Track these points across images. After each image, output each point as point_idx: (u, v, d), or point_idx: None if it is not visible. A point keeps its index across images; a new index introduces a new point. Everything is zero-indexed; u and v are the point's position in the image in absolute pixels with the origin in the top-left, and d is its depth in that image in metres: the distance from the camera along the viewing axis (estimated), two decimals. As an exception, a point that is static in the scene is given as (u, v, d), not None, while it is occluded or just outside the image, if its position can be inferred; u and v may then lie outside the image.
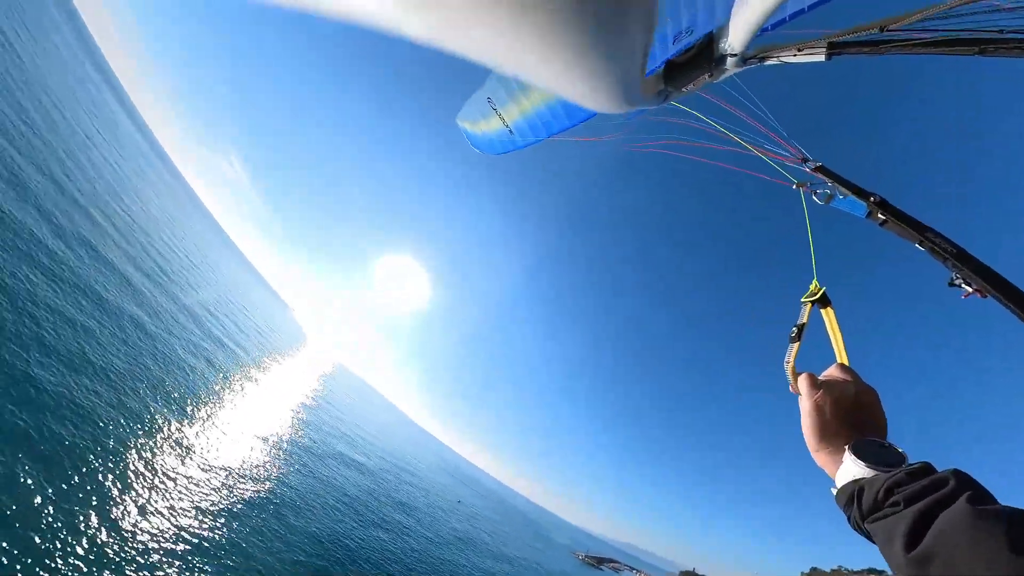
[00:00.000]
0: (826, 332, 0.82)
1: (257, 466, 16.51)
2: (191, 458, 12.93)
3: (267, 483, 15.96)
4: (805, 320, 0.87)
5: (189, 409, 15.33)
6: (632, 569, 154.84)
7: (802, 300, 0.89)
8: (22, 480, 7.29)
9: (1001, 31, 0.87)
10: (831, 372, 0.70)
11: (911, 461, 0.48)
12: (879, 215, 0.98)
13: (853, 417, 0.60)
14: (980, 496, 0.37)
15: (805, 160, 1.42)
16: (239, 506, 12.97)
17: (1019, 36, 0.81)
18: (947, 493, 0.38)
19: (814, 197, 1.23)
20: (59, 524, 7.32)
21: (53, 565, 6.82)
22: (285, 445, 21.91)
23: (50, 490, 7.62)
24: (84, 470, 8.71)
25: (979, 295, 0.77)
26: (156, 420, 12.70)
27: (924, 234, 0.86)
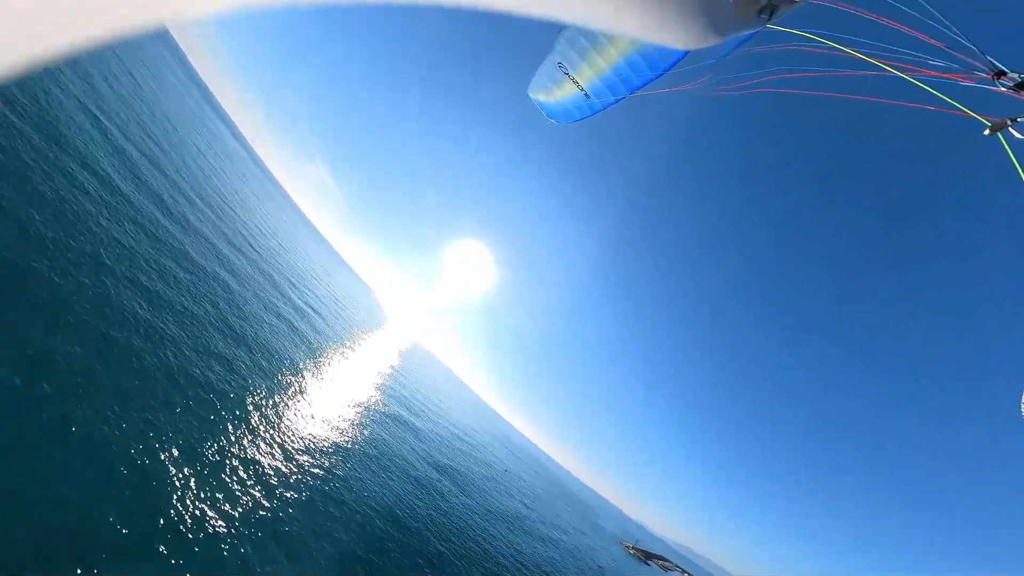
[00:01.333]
0: None
1: (337, 426, 18.99)
2: (287, 417, 15.42)
3: (344, 439, 18.49)
4: None
5: (286, 374, 18.12)
6: (683, 571, 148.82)
7: None
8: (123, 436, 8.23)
9: None
10: None
11: None
12: None
13: None
14: None
15: (1000, 74, 0.92)
16: (320, 460, 15.00)
17: None
18: None
19: (1011, 129, 0.76)
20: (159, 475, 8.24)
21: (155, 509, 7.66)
22: (364, 408, 25.10)
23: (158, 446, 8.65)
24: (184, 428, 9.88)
25: None
26: (258, 382, 15.12)
27: None
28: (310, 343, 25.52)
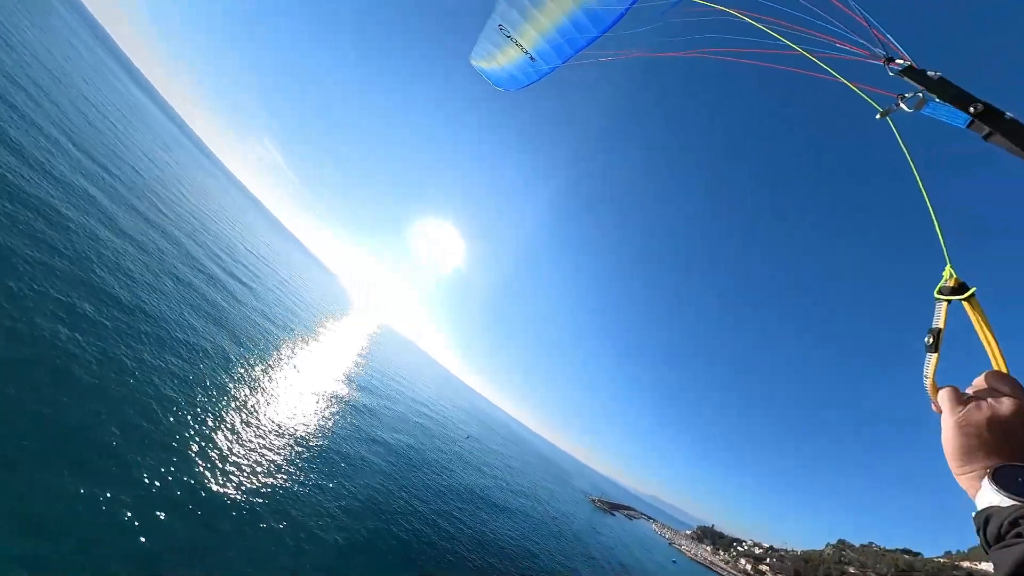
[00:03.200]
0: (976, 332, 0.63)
1: (310, 410, 19.24)
2: (249, 410, 15.20)
3: (307, 428, 18.21)
4: (942, 324, 0.65)
5: (256, 366, 18.17)
6: (648, 518, 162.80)
7: (936, 296, 0.68)
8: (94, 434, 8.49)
9: None
10: (980, 383, 0.61)
11: None
12: (984, 127, 0.79)
13: (1005, 438, 0.52)
14: None
15: (890, 60, 1.03)
16: (294, 442, 15.41)
17: None
18: None
19: (901, 104, 0.95)
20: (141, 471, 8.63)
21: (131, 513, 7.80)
22: (329, 396, 25.21)
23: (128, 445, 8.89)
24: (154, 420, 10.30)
25: None
26: (230, 372, 15.48)
27: None
28: (273, 336, 24.91)
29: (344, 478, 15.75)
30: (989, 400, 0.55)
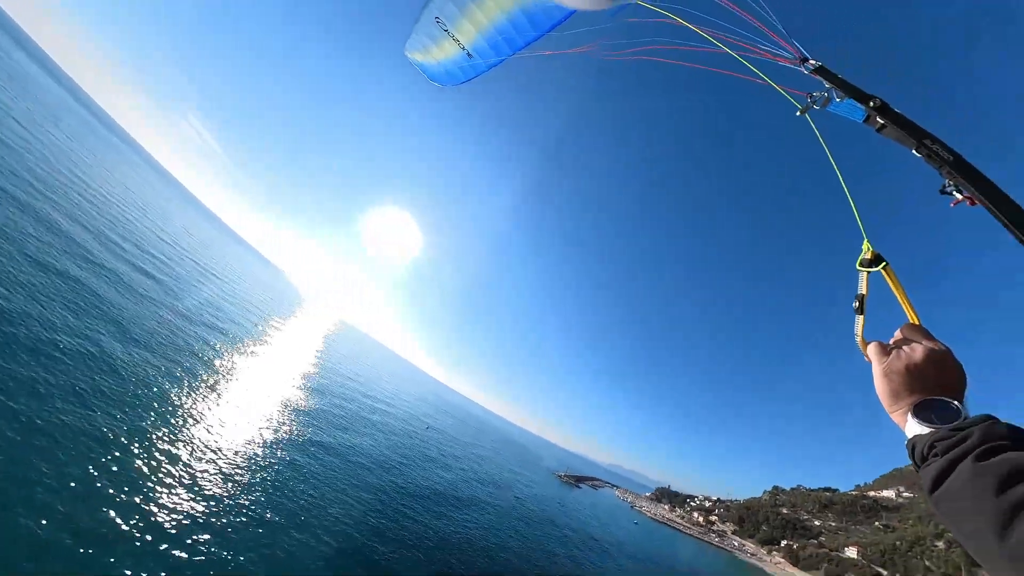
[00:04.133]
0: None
1: (245, 423, 17.77)
2: (196, 422, 14.70)
3: (252, 433, 17.51)
4: (864, 290, 0.80)
5: (172, 376, 16.43)
6: (612, 486, 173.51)
7: (857, 267, 0.82)
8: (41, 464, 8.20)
9: None
10: (899, 335, 0.71)
11: (972, 415, 0.55)
12: (878, 119, 0.94)
13: (922, 379, 0.62)
14: (993, 449, 0.45)
15: (804, 60, 1.22)
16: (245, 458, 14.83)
17: None
18: (968, 446, 0.47)
19: (810, 102, 1.12)
20: (86, 497, 8.38)
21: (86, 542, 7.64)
22: (281, 399, 24.08)
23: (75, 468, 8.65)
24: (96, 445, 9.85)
25: (969, 203, 0.80)
26: (173, 392, 14.29)
27: (922, 140, 0.84)
28: (199, 339, 23.04)
29: (289, 493, 14.99)
30: (906, 349, 0.66)
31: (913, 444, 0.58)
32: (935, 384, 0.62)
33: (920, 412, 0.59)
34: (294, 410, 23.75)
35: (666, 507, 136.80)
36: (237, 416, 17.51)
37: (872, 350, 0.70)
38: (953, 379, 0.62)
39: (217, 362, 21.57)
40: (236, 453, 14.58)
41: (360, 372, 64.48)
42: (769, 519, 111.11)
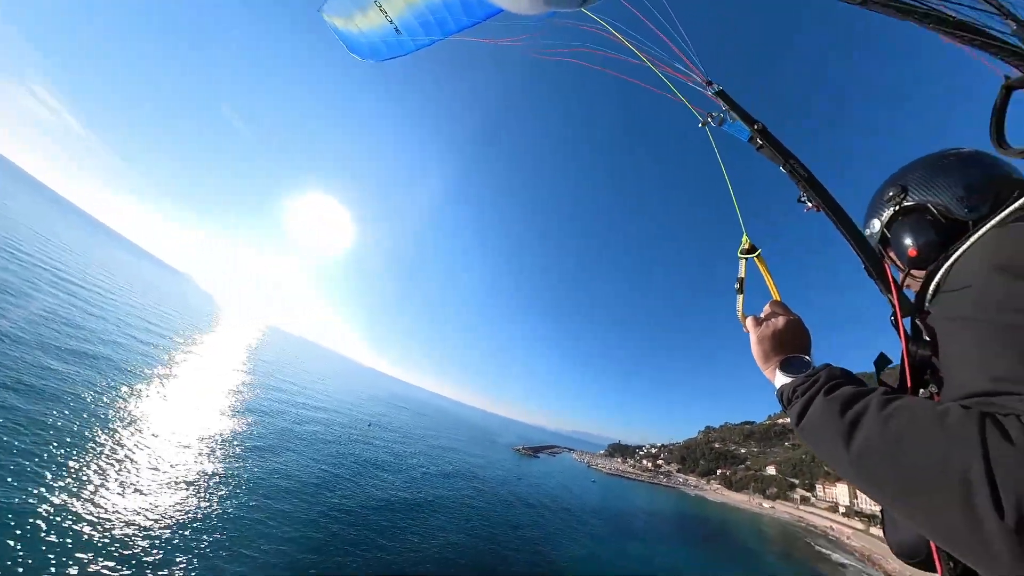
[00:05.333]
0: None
1: (162, 469, 15.85)
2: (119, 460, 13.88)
3: (183, 470, 16.24)
4: (743, 274, 1.03)
5: (81, 426, 14.68)
6: (569, 450, 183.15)
7: (738, 255, 1.04)
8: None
9: None
10: (767, 309, 0.91)
11: (817, 365, 0.74)
12: (758, 140, 1.16)
13: (783, 342, 0.82)
14: (836, 385, 0.61)
15: (709, 83, 1.40)
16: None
17: None
18: (818, 387, 0.64)
19: (709, 119, 1.30)
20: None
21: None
22: (204, 431, 21.45)
23: None
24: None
25: (816, 210, 1.02)
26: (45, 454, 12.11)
27: (788, 160, 1.08)
28: (103, 379, 19.68)
29: (210, 540, 12.65)
30: (772, 320, 0.85)
31: (781, 392, 0.73)
32: (792, 346, 0.81)
33: (784, 367, 0.76)
34: (207, 444, 20.27)
35: (619, 460, 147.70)
36: (130, 468, 14.44)
37: (749, 323, 0.89)
38: (805, 341, 0.82)
39: (103, 402, 17.61)
40: (128, 522, 11.67)
41: (291, 380, 58.63)
42: (705, 454, 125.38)
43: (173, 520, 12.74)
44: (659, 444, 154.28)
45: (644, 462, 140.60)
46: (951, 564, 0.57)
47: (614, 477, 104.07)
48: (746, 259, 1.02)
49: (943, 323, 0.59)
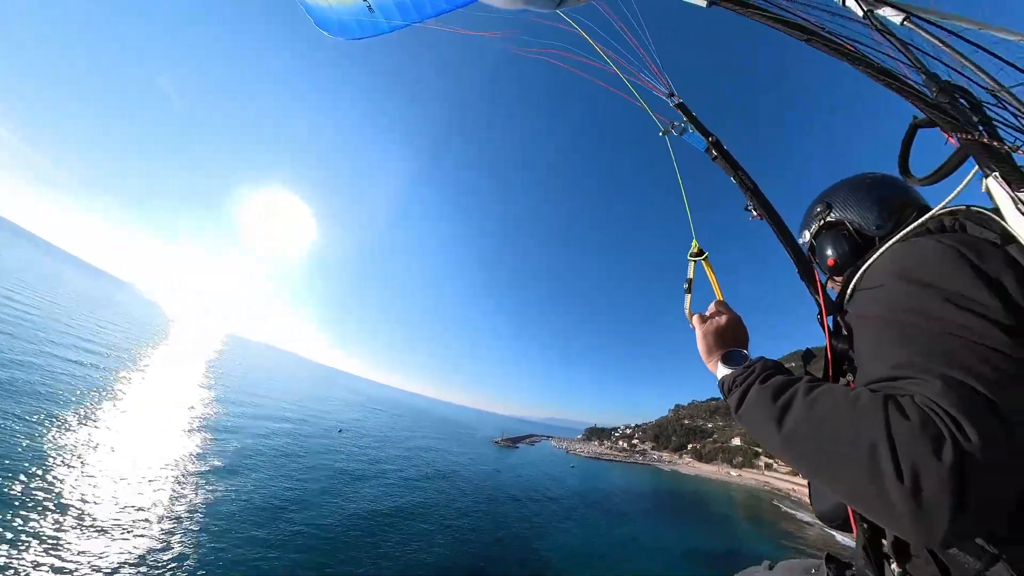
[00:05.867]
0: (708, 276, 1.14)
1: (134, 491, 15.44)
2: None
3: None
4: (691, 276, 1.11)
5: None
6: (548, 437, 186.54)
7: (688, 258, 1.13)
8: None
9: (822, 28, 1.07)
10: (711, 308, 1.01)
11: (753, 358, 0.81)
12: (713, 152, 1.27)
13: (725, 338, 0.91)
14: (769, 375, 0.69)
15: (672, 95, 1.49)
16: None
17: (833, 37, 0.96)
18: (754, 377, 0.71)
19: (671, 129, 1.38)
20: None
21: None
22: (156, 458, 19.49)
23: None
24: None
25: (760, 218, 1.14)
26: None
27: (737, 171, 1.20)
28: (43, 395, 18.57)
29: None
30: (716, 318, 0.94)
31: (723, 382, 0.81)
32: (733, 341, 0.90)
33: (725, 360, 0.85)
34: (163, 473, 18.18)
35: (596, 443, 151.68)
36: (80, 504, 13.18)
37: (695, 320, 0.98)
38: (744, 337, 0.93)
39: (22, 440, 15.42)
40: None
41: (255, 391, 55.02)
42: (676, 431, 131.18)
43: (126, 566, 11.12)
44: (633, 425, 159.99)
45: (620, 443, 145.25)
46: (864, 525, 0.70)
47: (593, 460, 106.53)
48: (694, 262, 1.12)
49: (855, 320, 0.69)
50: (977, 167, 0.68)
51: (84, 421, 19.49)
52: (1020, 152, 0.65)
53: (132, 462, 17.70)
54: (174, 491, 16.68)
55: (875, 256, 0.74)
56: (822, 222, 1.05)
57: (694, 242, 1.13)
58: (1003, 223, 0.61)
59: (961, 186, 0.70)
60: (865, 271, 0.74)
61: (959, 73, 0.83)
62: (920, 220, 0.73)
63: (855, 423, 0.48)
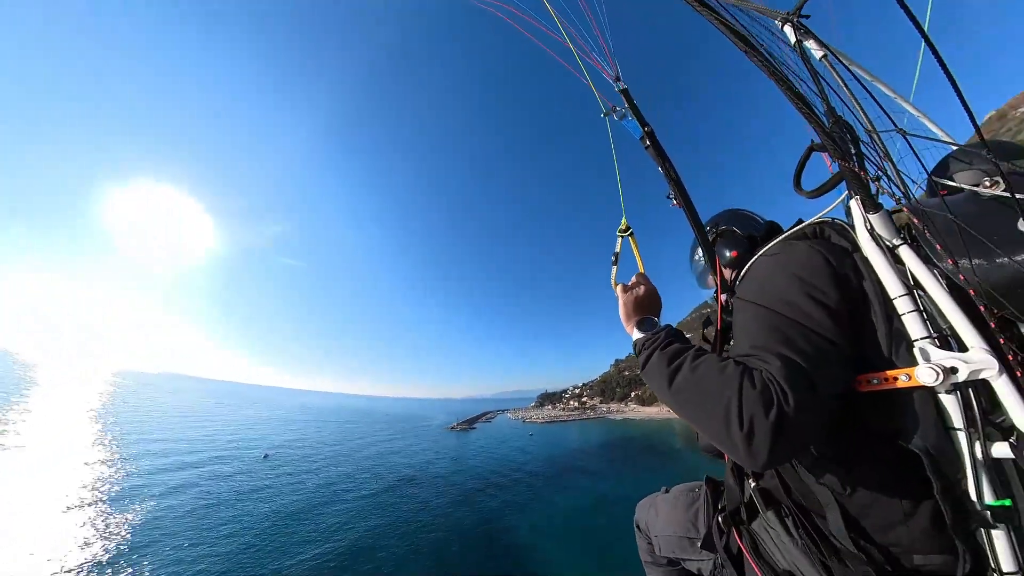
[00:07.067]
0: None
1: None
2: None
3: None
4: (618, 249, 1.27)
5: None
6: (503, 411, 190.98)
7: (617, 234, 1.28)
8: None
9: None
10: (633, 279, 1.15)
11: (661, 326, 0.99)
12: (647, 141, 1.38)
13: (642, 306, 1.06)
14: (670, 343, 0.87)
15: (618, 79, 1.53)
16: None
17: (767, 55, 1.05)
18: (658, 343, 0.88)
19: (613, 112, 1.47)
20: None
21: None
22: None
23: None
24: None
25: (678, 206, 1.32)
26: None
27: (665, 162, 1.34)
28: None
29: None
30: (636, 289, 1.08)
31: (635, 344, 0.96)
32: (648, 309, 1.05)
33: (639, 325, 0.99)
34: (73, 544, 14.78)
35: (549, 408, 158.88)
36: None
37: (619, 289, 1.11)
38: (657, 307, 1.09)
39: None
40: None
41: (155, 436, 46.14)
42: (619, 383, 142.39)
43: None
44: (581, 384, 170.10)
45: (572, 403, 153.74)
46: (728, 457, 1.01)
47: (549, 424, 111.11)
48: (622, 237, 1.26)
49: (738, 302, 0.84)
50: (847, 191, 0.86)
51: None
52: (874, 184, 0.86)
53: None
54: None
55: (762, 251, 0.93)
56: (718, 229, 1.35)
57: (623, 220, 1.28)
58: (855, 236, 0.83)
59: (834, 204, 0.96)
60: (753, 263, 0.93)
61: (849, 111, 1.02)
62: (800, 226, 0.94)
63: (720, 386, 0.66)
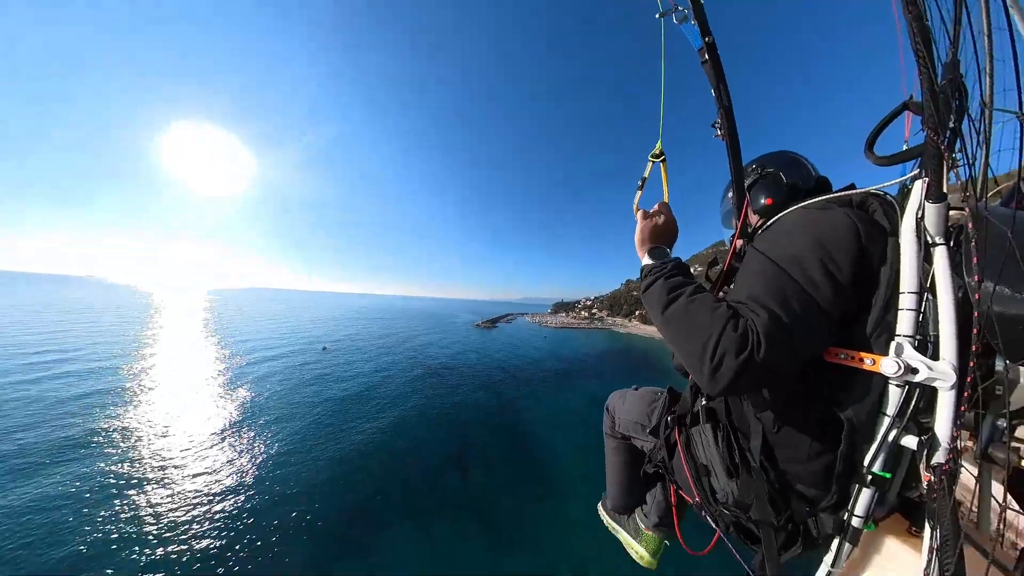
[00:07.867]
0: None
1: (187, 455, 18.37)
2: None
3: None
4: (647, 175, 1.20)
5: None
6: (522, 315, 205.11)
7: (649, 157, 1.20)
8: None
9: None
10: (656, 207, 1.16)
11: (671, 257, 1.03)
12: (705, 55, 1.17)
13: (658, 234, 1.10)
14: (674, 275, 0.93)
15: None
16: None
17: None
18: (664, 272, 0.95)
19: (672, 16, 1.22)
20: None
21: None
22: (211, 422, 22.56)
23: None
24: None
25: (722, 139, 1.19)
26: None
27: (721, 83, 1.15)
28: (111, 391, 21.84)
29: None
30: (657, 217, 1.14)
31: (643, 269, 1.05)
32: (663, 239, 1.11)
33: (651, 253, 1.07)
34: (202, 441, 20.35)
35: (563, 315, 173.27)
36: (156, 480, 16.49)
37: (639, 215, 1.15)
38: (673, 238, 1.14)
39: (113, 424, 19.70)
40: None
41: (242, 338, 57.62)
42: (627, 301, 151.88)
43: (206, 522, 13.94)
44: (592, 297, 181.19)
45: (583, 313, 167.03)
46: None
47: (561, 329, 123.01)
48: (653, 162, 1.20)
49: (751, 251, 0.90)
50: (918, 168, 0.73)
51: (128, 419, 22.94)
52: (952, 171, 0.70)
53: (188, 438, 20.89)
54: (218, 458, 19.12)
55: (798, 206, 0.93)
56: (761, 172, 1.19)
57: (659, 143, 1.18)
58: (898, 219, 0.77)
59: (895, 181, 0.80)
60: (786, 214, 0.94)
61: (978, 68, 0.74)
62: (849, 192, 0.90)
63: (707, 322, 0.75)
